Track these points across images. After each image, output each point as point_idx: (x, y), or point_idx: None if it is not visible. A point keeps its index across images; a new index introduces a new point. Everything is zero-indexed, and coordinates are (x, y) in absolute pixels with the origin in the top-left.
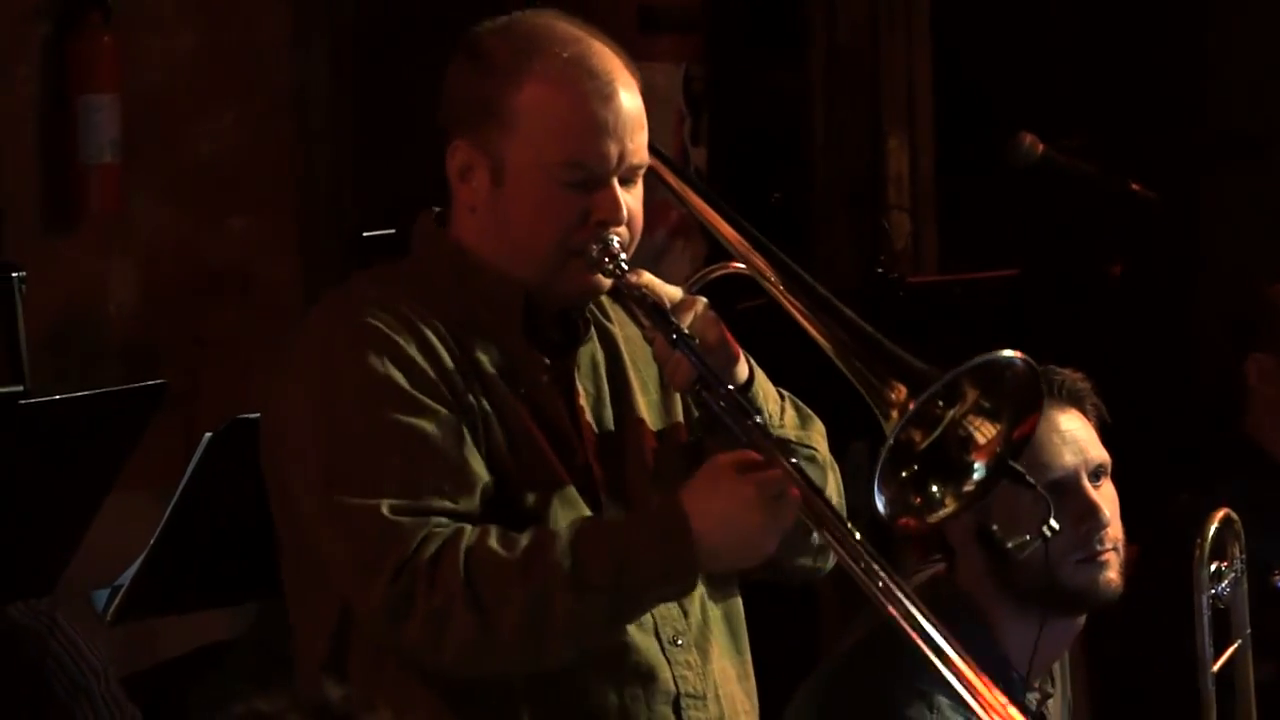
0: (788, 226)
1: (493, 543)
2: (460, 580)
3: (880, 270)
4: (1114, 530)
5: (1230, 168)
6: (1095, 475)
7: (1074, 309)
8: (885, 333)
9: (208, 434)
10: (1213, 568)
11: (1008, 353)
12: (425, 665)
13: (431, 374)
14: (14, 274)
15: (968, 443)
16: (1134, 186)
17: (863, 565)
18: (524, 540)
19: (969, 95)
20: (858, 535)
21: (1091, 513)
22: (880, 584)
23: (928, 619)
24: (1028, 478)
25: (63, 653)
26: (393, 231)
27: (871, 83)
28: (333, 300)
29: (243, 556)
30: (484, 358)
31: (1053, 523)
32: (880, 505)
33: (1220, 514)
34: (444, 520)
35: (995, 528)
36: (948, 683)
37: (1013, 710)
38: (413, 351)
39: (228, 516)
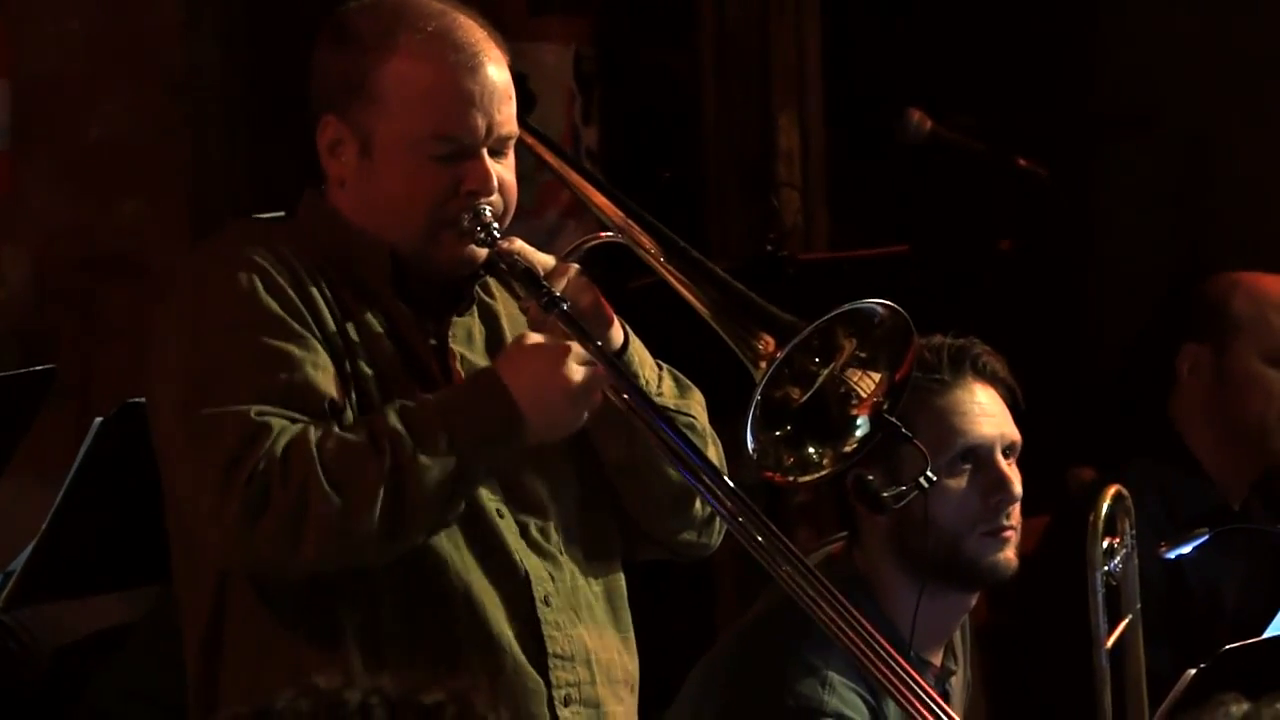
0: (679, 205)
1: (338, 430)
2: (315, 465)
3: (770, 248)
4: (1017, 510)
5: (1118, 143)
6: (1007, 453)
7: (964, 285)
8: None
9: (98, 419)
10: (1105, 544)
11: (871, 300)
12: (285, 571)
13: (302, 307)
14: None
15: (849, 398)
16: (1021, 162)
17: (684, 463)
18: (362, 424)
19: (859, 73)
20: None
21: (1003, 485)
22: (715, 494)
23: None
24: (903, 430)
25: None
26: (282, 215)
27: (761, 61)
28: (209, 241)
29: (136, 541)
30: (364, 310)
31: (930, 474)
32: (751, 450)
33: (1112, 490)
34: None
35: (872, 478)
36: (841, 658)
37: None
38: (285, 283)
39: (120, 501)
